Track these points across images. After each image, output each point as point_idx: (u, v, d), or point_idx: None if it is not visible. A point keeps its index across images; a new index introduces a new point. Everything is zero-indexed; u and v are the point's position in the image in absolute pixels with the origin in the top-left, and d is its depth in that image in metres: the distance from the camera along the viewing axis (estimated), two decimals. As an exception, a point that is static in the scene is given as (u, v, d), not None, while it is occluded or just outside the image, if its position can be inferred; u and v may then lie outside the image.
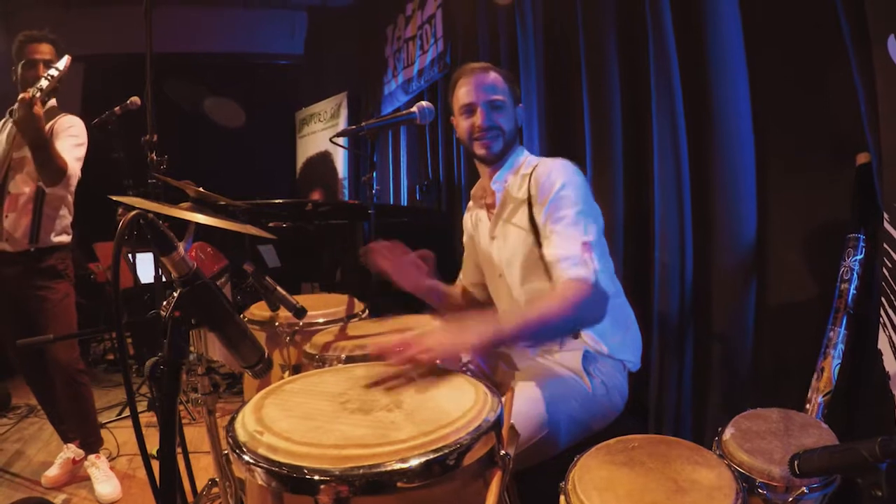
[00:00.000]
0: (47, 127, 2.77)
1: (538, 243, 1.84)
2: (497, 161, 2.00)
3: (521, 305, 1.97)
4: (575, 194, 1.79)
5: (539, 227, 1.84)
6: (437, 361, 1.40)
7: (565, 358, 1.93)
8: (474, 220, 2.20)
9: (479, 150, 1.99)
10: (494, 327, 1.53)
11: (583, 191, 1.82)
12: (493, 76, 1.97)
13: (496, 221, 2.03)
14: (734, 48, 2.16)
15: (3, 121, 2.95)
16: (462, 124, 2.01)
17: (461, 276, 2.35)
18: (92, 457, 3.09)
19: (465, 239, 2.29)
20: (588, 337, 1.91)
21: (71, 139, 2.92)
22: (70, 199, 3.06)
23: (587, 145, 2.95)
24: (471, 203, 2.23)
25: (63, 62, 2.61)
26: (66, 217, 3.04)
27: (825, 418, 1.73)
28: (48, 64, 2.81)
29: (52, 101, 2.98)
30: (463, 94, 1.98)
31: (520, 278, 1.95)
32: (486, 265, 2.14)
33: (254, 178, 7.45)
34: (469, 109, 1.97)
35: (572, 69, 3.07)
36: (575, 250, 1.68)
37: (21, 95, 2.52)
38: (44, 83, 2.55)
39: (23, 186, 2.88)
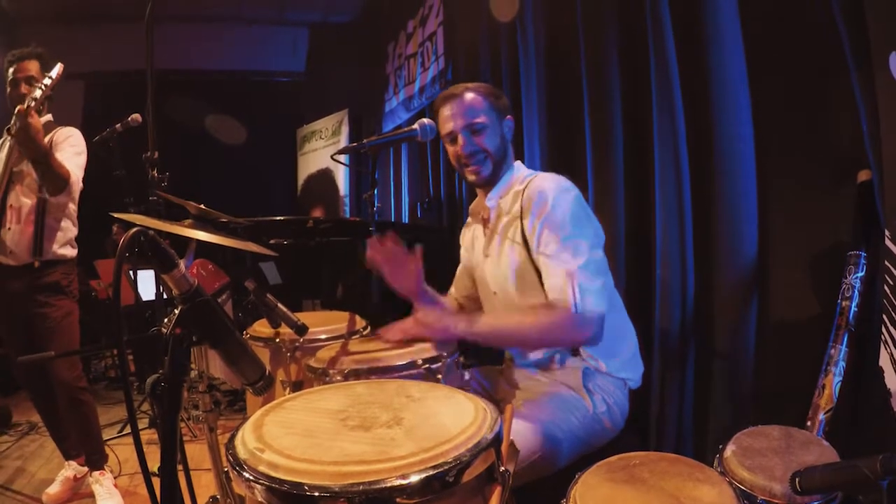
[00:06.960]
0: (46, 140, 2.77)
1: (531, 257, 1.85)
2: (489, 184, 2.00)
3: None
4: (563, 216, 1.78)
5: (531, 246, 1.84)
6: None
7: (565, 376, 1.93)
8: (471, 236, 2.19)
9: (470, 177, 2.01)
10: (465, 325, 1.75)
11: (574, 208, 1.80)
12: (471, 98, 1.95)
13: (490, 239, 2.03)
14: (736, 64, 2.17)
15: (1, 140, 2.96)
16: (449, 151, 2.04)
17: (452, 289, 2.32)
18: (96, 473, 3.07)
19: (462, 252, 2.28)
20: (586, 355, 1.91)
21: (71, 148, 2.94)
22: (73, 209, 3.04)
23: (588, 162, 2.96)
24: (469, 219, 2.23)
25: (55, 70, 2.59)
26: (69, 229, 3.03)
27: (826, 436, 1.72)
28: (31, 80, 2.84)
29: (49, 116, 3.00)
30: (443, 121, 2.00)
31: (515, 295, 1.94)
32: (480, 283, 2.14)
33: (255, 195, 7.47)
34: (451, 138, 1.99)
35: (574, 85, 3.08)
36: (558, 281, 1.71)
37: (17, 108, 2.54)
38: (38, 93, 2.55)
39: (24, 199, 2.88)
